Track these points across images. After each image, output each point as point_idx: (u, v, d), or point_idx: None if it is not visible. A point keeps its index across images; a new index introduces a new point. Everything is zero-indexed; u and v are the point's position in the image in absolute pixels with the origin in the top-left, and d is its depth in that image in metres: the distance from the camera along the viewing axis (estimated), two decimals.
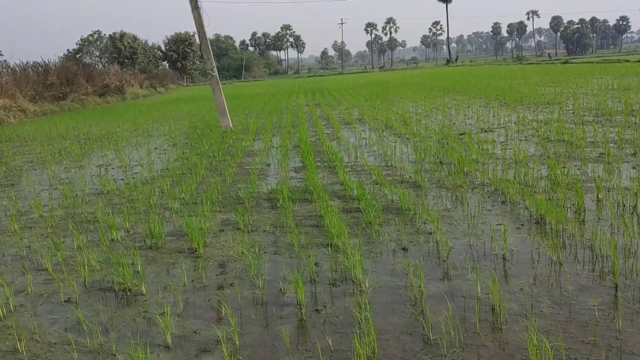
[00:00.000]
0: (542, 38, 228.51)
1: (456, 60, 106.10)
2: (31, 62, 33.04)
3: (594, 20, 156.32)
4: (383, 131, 12.38)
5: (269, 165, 9.42)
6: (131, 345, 3.44)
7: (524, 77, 31.18)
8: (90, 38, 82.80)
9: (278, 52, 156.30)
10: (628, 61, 38.96)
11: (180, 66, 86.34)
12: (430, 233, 5.09)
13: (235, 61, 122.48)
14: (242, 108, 22.97)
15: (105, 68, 42.22)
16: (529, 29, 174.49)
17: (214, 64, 14.80)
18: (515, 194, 6.05)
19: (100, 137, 15.65)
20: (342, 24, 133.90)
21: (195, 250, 5.13)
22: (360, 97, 24.17)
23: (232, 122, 15.44)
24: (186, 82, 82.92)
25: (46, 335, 3.66)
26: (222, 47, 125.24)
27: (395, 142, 10.72)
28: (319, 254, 4.78)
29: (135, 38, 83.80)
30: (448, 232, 5.06)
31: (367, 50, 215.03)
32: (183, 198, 7.22)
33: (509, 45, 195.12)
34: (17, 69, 30.70)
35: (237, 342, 3.33)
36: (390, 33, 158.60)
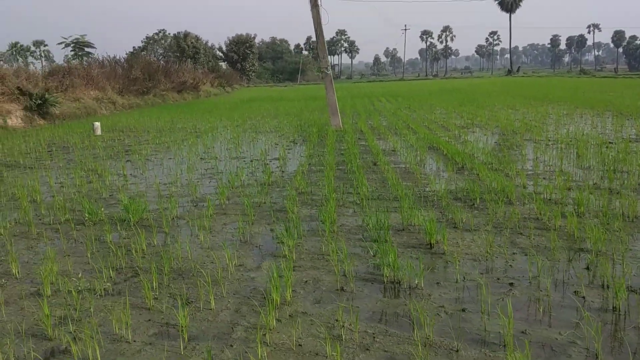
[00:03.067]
0: (600, 52, 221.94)
1: (517, 71, 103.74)
2: (115, 56, 33.83)
3: None
4: (512, 136, 11.98)
5: (422, 165, 9.16)
6: (461, 340, 3.22)
7: (611, 90, 30.11)
8: (155, 37, 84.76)
9: (332, 56, 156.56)
10: None
11: (240, 67, 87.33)
12: None
13: (289, 64, 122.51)
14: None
15: (183, 65, 42.97)
16: (589, 42, 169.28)
17: (329, 63, 14.68)
18: None
19: (207, 131, 15.74)
20: (405, 29, 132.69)
21: (432, 246, 4.91)
22: (447, 103, 23.70)
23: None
24: (246, 83, 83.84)
25: (354, 324, 3.48)
26: (277, 50, 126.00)
27: (541, 148, 10.32)
28: (586, 259, 4.49)
29: (197, 38, 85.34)
30: None
31: (419, 57, 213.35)
32: (360, 193, 7.03)
33: (566, 58, 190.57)
34: (106, 62, 31.58)
35: (598, 348, 3.07)
36: (446, 41, 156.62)
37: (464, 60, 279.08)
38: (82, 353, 3.23)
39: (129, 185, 8.33)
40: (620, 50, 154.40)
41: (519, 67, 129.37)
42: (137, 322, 3.62)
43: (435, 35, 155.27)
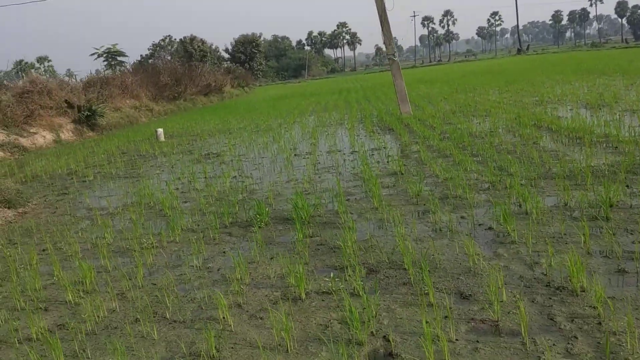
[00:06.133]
0: (602, 25, 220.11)
1: (527, 49, 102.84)
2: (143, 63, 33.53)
3: None
4: (611, 110, 11.60)
5: (537, 143, 8.83)
6: None
7: None
8: (162, 43, 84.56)
9: (335, 50, 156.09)
10: None
11: (248, 67, 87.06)
12: None
13: (293, 61, 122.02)
14: (376, 98, 22.56)
15: (204, 68, 42.64)
16: (591, 15, 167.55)
17: (395, 50, 14.37)
18: None
19: (269, 129, 15.47)
20: (414, 16, 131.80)
21: None
22: (490, 84, 23.26)
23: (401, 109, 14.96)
24: (257, 82, 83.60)
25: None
26: (280, 47, 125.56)
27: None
28: None
29: (203, 41, 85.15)
30: None
31: (419, 45, 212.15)
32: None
33: (568, 34, 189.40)
34: (135, 70, 31.32)
35: None
36: (448, 26, 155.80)
37: (464, 43, 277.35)
38: (411, 355, 2.95)
39: (253, 186, 8.06)
40: (624, 21, 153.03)
41: (528, 45, 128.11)
42: (438, 320, 3.33)
43: (436, 21, 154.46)
